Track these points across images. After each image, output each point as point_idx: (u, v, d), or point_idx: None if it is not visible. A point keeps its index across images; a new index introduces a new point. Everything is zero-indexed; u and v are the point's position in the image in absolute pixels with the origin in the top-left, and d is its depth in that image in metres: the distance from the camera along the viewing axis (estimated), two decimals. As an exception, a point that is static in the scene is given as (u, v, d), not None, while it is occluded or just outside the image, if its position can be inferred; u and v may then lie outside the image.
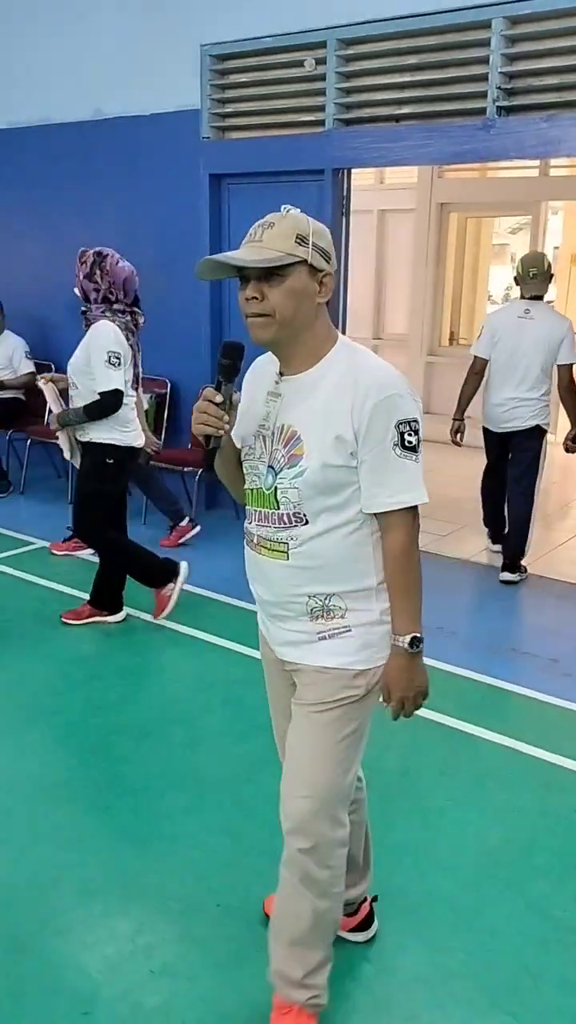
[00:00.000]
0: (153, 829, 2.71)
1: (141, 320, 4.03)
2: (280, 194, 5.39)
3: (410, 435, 1.72)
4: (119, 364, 3.78)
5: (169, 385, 6.25)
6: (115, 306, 3.87)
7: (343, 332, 6.00)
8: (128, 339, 3.88)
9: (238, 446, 1.90)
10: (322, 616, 1.83)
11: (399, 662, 1.81)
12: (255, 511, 1.86)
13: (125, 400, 3.89)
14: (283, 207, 1.78)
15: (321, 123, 5.21)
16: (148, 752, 3.13)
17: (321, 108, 5.19)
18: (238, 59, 5.49)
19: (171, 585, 4.19)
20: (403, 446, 1.71)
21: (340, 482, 1.74)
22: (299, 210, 1.77)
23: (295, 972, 1.92)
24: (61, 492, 6.23)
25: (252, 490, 1.86)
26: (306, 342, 1.76)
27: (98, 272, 3.83)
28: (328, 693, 1.84)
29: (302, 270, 1.70)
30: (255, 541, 1.87)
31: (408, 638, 1.80)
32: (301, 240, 1.70)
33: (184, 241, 5.89)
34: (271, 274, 1.69)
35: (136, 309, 3.98)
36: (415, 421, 1.73)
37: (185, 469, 5.75)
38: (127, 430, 3.95)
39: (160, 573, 4.19)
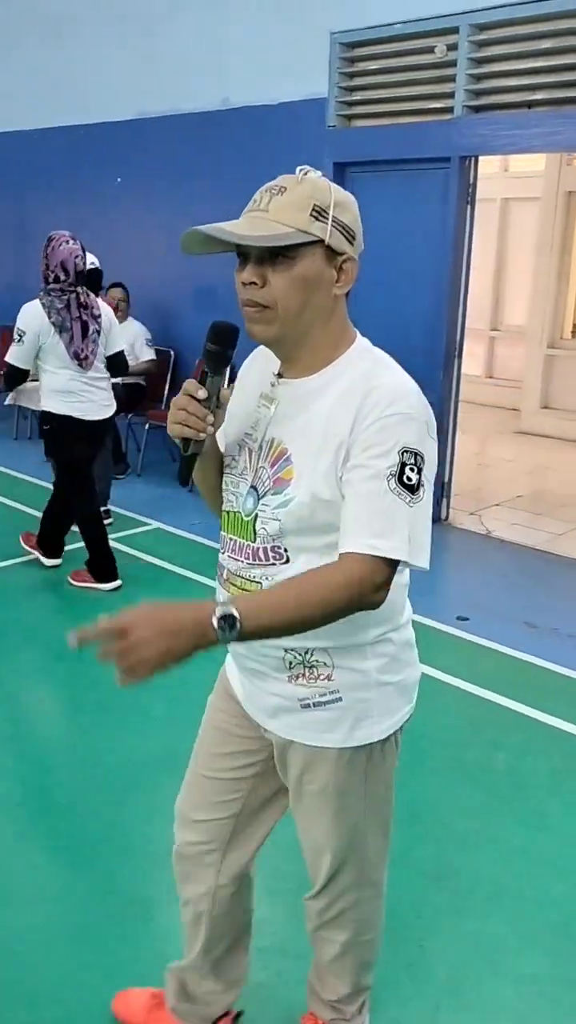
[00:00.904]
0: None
1: (91, 299, 4.14)
2: (405, 182, 5.43)
3: (412, 470, 1.30)
4: (20, 340, 4.02)
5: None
6: (50, 286, 4.04)
7: (462, 326, 5.92)
8: (65, 316, 4.01)
9: (222, 451, 1.55)
10: (303, 675, 1.46)
11: (183, 616, 1.22)
12: (229, 539, 1.49)
13: (63, 372, 4.07)
14: (298, 169, 1.36)
15: (449, 110, 5.12)
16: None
17: (450, 95, 5.10)
18: (367, 46, 5.45)
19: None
20: (400, 481, 1.29)
21: (330, 522, 1.34)
22: (320, 174, 1.36)
23: (325, 993, 1.82)
24: (176, 475, 6.30)
25: (228, 513, 1.49)
26: (315, 342, 1.39)
27: (44, 255, 4.08)
28: (323, 774, 1.53)
29: (317, 252, 1.32)
30: (224, 576, 1.50)
31: (228, 609, 1.22)
32: (319, 213, 1.31)
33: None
34: (277, 255, 1.31)
35: (79, 289, 4.07)
36: (419, 454, 1.31)
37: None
38: (68, 401, 4.12)
39: (53, 549, 4.57)
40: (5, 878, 2.41)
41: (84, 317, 4.07)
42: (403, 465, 1.29)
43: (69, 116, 7.44)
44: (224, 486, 1.52)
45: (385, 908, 1.78)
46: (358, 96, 5.60)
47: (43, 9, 7.53)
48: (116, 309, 6.43)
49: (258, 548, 1.42)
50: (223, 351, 1.39)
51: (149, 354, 6.61)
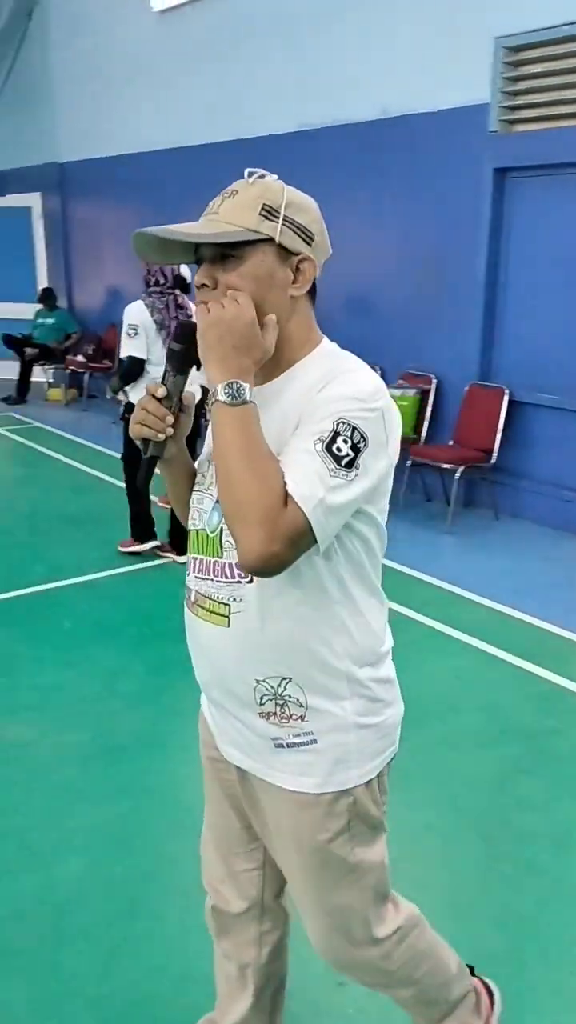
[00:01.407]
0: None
1: (185, 300, 4.59)
2: (569, 188, 5.30)
3: (346, 442, 1.21)
4: (135, 334, 4.53)
5: (435, 381, 6.25)
6: (151, 288, 4.55)
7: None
8: (165, 315, 4.51)
9: (195, 466, 1.49)
10: (276, 713, 1.37)
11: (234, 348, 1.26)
12: (195, 560, 1.41)
13: (155, 369, 4.45)
14: (247, 172, 1.34)
15: (618, 111, 4.95)
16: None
17: (620, 95, 4.93)
18: (532, 49, 5.34)
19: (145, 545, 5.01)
20: (328, 448, 1.21)
21: None
22: (276, 177, 1.35)
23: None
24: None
25: (194, 532, 1.42)
26: (290, 345, 1.34)
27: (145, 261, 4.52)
28: (303, 827, 1.42)
29: (267, 251, 1.29)
30: (192, 598, 1.42)
31: (244, 394, 1.24)
32: (269, 212, 1.29)
33: (460, 237, 5.86)
34: (227, 257, 1.29)
35: (176, 291, 4.57)
36: (364, 439, 1.22)
37: (444, 466, 5.73)
38: None
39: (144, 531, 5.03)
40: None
41: (180, 317, 4.51)
42: (335, 435, 1.21)
43: (230, 131, 7.67)
44: (191, 504, 1.44)
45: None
46: (521, 100, 5.50)
47: (208, 32, 7.81)
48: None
49: (225, 564, 1.35)
50: (186, 350, 1.35)
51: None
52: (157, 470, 1.45)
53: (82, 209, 10.26)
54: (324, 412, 1.23)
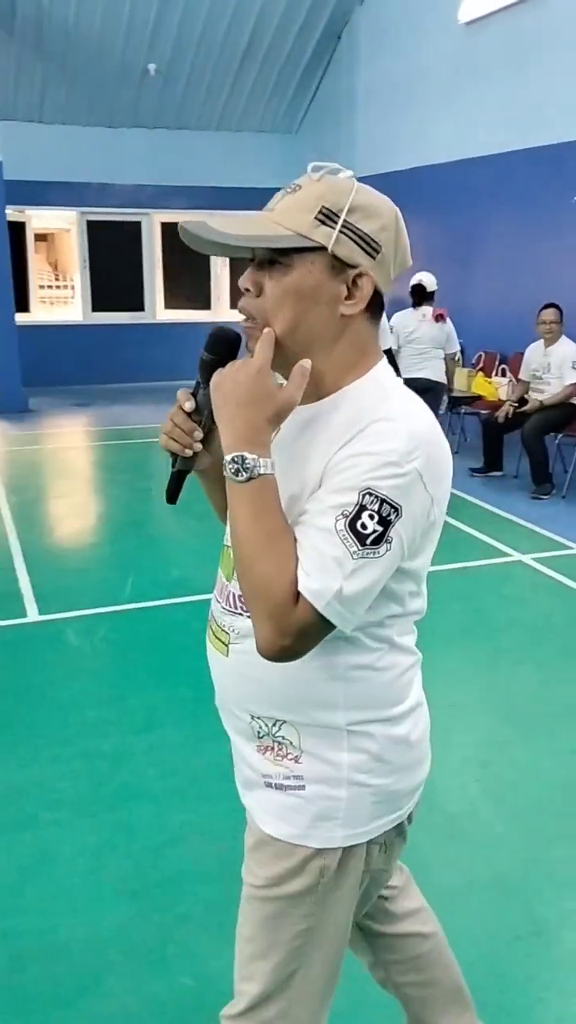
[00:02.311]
0: None
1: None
2: None
3: (372, 518, 1.07)
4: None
5: None
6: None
7: None
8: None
9: None
10: (271, 749, 1.27)
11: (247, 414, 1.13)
12: (218, 577, 1.34)
13: None
14: (312, 166, 1.15)
15: None
16: None
17: None
18: None
19: None
20: (352, 526, 1.07)
21: None
22: (352, 174, 1.16)
23: None
24: None
25: (224, 546, 1.32)
26: (317, 367, 1.17)
27: None
28: (268, 870, 1.29)
29: (316, 262, 1.12)
30: (209, 620, 1.35)
31: (258, 469, 1.11)
32: (327, 217, 1.11)
33: None
34: (274, 262, 1.14)
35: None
36: (395, 510, 1.08)
37: None
38: None
39: None
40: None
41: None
42: (361, 509, 1.07)
43: (530, 138, 7.51)
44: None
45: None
46: None
47: (511, 40, 7.70)
48: (548, 331, 6.47)
49: (231, 591, 1.26)
50: (218, 360, 1.21)
51: (572, 377, 6.44)
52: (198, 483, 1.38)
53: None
54: (349, 477, 1.09)
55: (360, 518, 1.07)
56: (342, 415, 1.15)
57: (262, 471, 1.11)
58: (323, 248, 1.12)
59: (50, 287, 16.56)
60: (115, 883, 2.44)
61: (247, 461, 1.10)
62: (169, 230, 11.88)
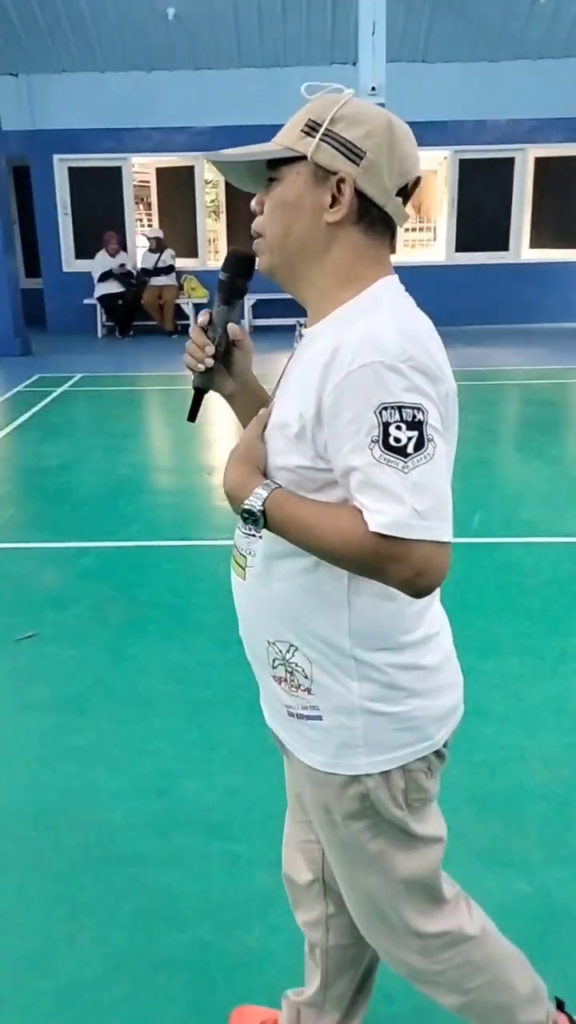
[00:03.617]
0: None
1: None
2: None
3: (399, 428, 1.06)
4: None
5: None
6: None
7: None
8: None
9: None
10: (286, 679, 1.28)
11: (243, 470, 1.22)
12: None
13: None
14: (306, 86, 1.18)
15: None
16: None
17: None
18: None
19: None
20: (387, 445, 1.05)
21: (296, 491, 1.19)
22: (352, 92, 1.17)
23: None
24: None
25: None
26: (311, 281, 1.21)
27: None
28: (320, 799, 1.32)
29: (301, 171, 1.16)
30: (232, 550, 1.36)
31: (255, 505, 1.16)
32: (312, 128, 1.14)
33: None
34: (272, 180, 1.20)
35: None
36: (411, 408, 1.06)
37: None
38: None
39: None
40: None
41: None
42: (386, 426, 1.06)
43: None
44: None
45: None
46: None
47: None
48: None
49: None
50: (231, 280, 1.29)
51: None
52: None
53: None
54: (356, 403, 1.07)
55: (390, 435, 1.06)
56: (331, 332, 1.15)
57: (265, 502, 1.16)
58: (303, 157, 1.16)
59: (412, 229, 16.75)
60: (459, 791, 2.60)
61: (252, 509, 1.16)
62: (542, 165, 11.45)
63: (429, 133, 11.18)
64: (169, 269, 11.67)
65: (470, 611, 3.68)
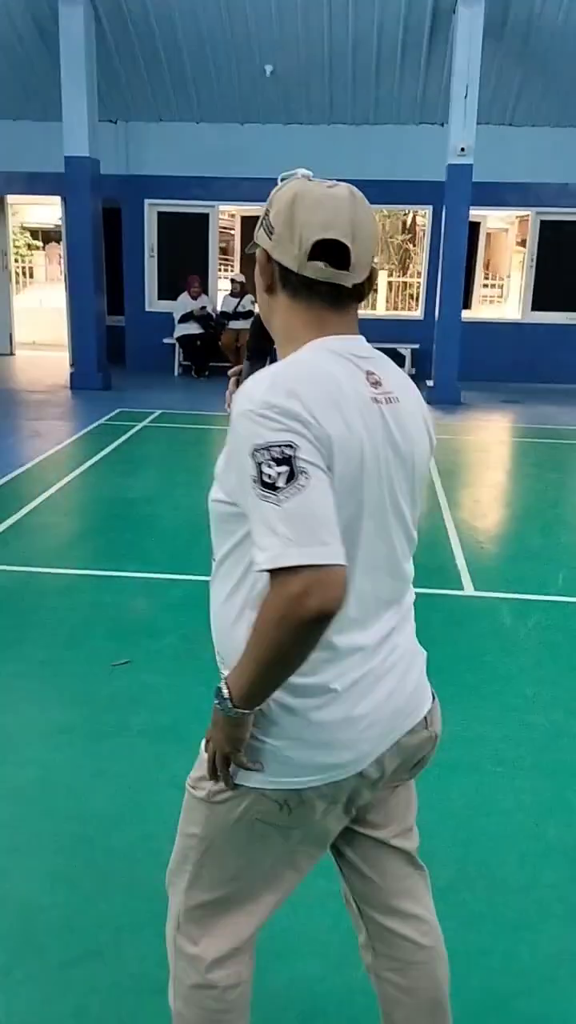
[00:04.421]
0: None
1: None
2: None
3: (269, 465, 1.16)
4: None
5: None
6: None
7: None
8: None
9: None
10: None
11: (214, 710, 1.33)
12: None
13: None
14: (281, 177, 1.34)
15: None
16: None
17: None
18: None
19: None
20: (262, 483, 1.16)
21: (219, 528, 1.37)
22: (303, 173, 1.34)
23: None
24: None
25: None
26: (276, 342, 1.40)
27: None
28: (196, 771, 1.46)
29: (259, 252, 1.37)
30: None
31: (219, 685, 1.31)
32: (264, 215, 1.35)
33: None
34: None
35: None
36: (279, 446, 1.16)
37: None
38: None
39: None
40: None
41: None
42: (259, 465, 1.17)
43: None
44: None
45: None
46: None
47: None
48: None
49: None
50: (256, 341, 1.35)
51: None
52: None
53: None
54: (243, 449, 1.19)
55: (263, 472, 1.16)
56: None
57: (227, 684, 1.28)
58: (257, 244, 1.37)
59: (484, 286, 16.91)
60: (555, 843, 2.59)
61: (220, 694, 1.29)
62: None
63: (512, 194, 11.35)
64: (248, 314, 11.91)
65: (561, 664, 3.67)
